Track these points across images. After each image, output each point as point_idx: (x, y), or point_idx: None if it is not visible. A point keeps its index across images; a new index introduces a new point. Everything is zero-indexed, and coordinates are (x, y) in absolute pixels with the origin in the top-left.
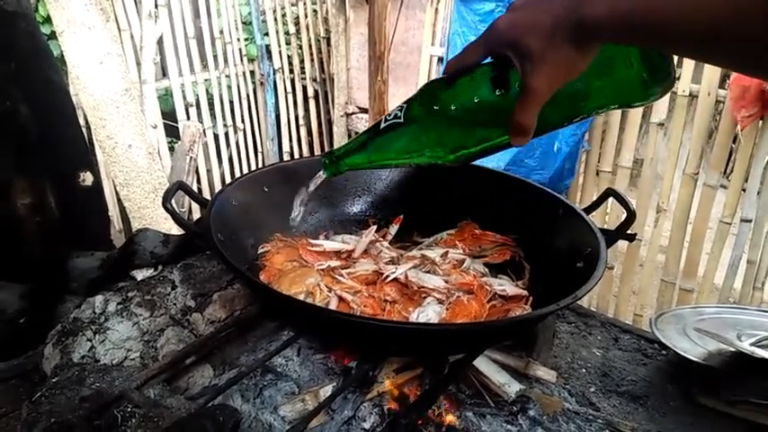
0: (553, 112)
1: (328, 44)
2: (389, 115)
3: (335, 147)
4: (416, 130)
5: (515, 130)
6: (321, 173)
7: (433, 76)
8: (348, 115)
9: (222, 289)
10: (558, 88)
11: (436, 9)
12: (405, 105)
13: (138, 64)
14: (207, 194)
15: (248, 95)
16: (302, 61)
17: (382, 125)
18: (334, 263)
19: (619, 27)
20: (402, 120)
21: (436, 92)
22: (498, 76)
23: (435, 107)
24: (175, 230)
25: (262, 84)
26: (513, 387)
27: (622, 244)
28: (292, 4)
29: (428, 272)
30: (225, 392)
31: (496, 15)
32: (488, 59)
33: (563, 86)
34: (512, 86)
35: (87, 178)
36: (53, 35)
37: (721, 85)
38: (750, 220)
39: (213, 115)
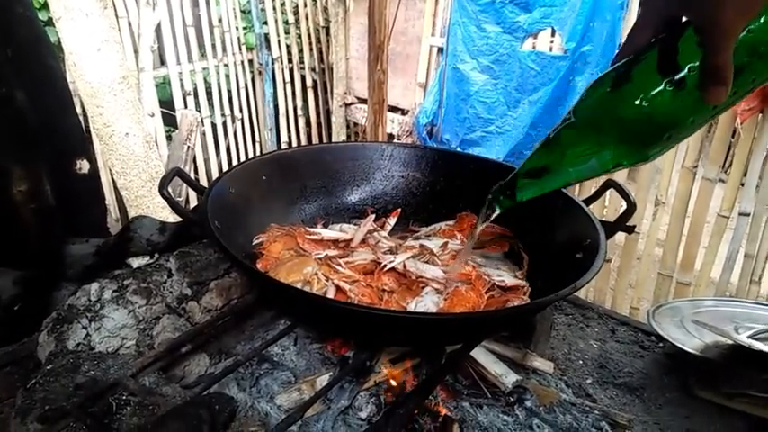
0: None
1: (327, 34)
2: (556, 127)
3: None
4: (592, 128)
5: (711, 78)
6: (494, 208)
7: (433, 67)
8: (347, 105)
9: (219, 277)
10: (746, 22)
11: None
12: (573, 108)
13: (136, 52)
14: (204, 184)
15: (246, 85)
16: (301, 51)
17: (552, 134)
18: (332, 252)
19: None
20: (573, 118)
21: (607, 86)
22: (670, 49)
23: (613, 104)
24: (172, 219)
25: (260, 73)
26: (510, 378)
27: (620, 237)
28: None
29: (426, 262)
30: (221, 381)
31: (497, 6)
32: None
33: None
34: (688, 54)
35: (84, 166)
36: (50, 21)
37: None
38: (748, 214)
39: (211, 104)
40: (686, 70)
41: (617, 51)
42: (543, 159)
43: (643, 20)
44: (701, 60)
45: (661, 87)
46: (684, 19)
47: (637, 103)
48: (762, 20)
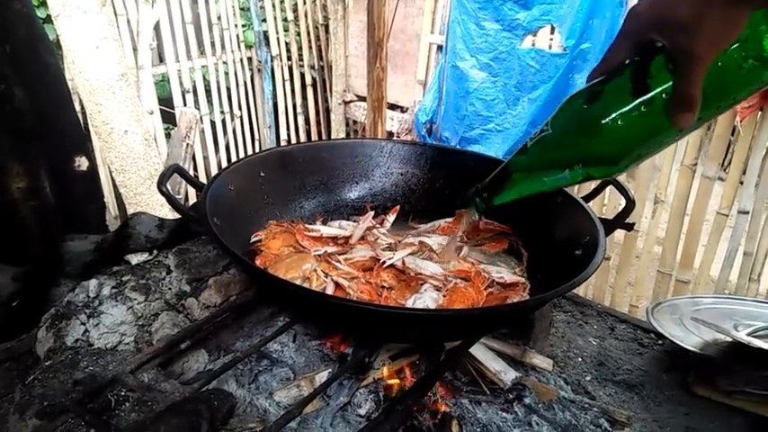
0: (717, 91)
1: (326, 31)
2: (534, 136)
3: (480, 185)
4: (566, 141)
5: (679, 104)
6: (474, 214)
7: (432, 65)
8: (346, 103)
9: (218, 274)
10: (718, 54)
11: None
12: (550, 120)
13: (135, 49)
14: (203, 182)
15: (245, 82)
16: (300, 48)
17: (529, 144)
18: (331, 249)
19: None
20: (550, 130)
21: (582, 102)
22: (643, 71)
23: (584, 120)
24: (171, 217)
25: (259, 71)
26: (509, 375)
27: (619, 235)
28: None
29: (426, 259)
30: (220, 377)
31: (496, 4)
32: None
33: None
34: (659, 78)
35: (83, 163)
36: (49, 19)
37: None
38: (747, 212)
39: (210, 102)
40: (656, 92)
41: (593, 68)
42: (521, 167)
43: (619, 41)
44: (672, 86)
45: (631, 107)
46: (659, 44)
47: (608, 120)
48: (728, 52)
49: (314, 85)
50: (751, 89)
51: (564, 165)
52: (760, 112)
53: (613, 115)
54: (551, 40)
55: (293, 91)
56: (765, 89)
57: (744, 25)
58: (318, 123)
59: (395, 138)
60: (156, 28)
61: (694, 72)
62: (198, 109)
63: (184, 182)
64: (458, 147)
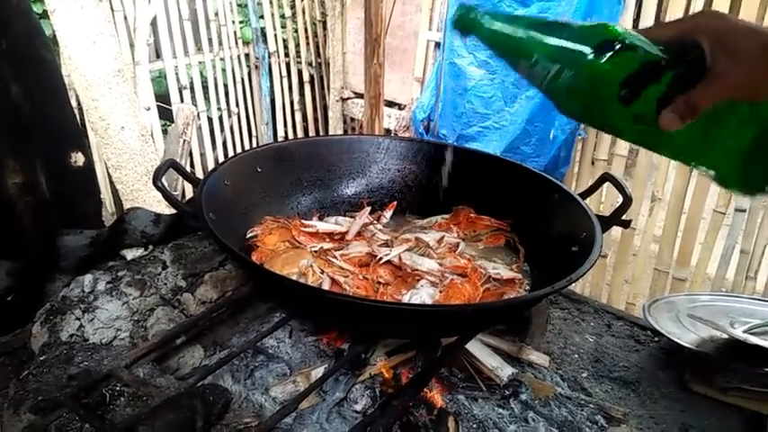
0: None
1: (324, 28)
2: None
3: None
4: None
5: (682, 109)
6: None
7: (430, 62)
8: (344, 100)
9: (214, 269)
10: (737, 94)
11: None
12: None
13: (132, 45)
14: (200, 178)
15: (243, 79)
16: (298, 45)
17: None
18: (328, 245)
19: None
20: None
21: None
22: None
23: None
24: (167, 212)
25: (257, 67)
26: (505, 371)
27: (616, 233)
28: None
29: (422, 255)
30: (215, 373)
31: (495, 1)
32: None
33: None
34: (679, 79)
35: (79, 159)
36: (45, 14)
37: None
38: (744, 210)
39: (207, 98)
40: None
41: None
42: (522, 24)
43: (678, 22)
44: (685, 94)
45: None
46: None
47: (620, 83)
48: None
49: (311, 81)
50: (727, 147)
51: (550, 60)
52: None
53: (621, 83)
54: None
55: (291, 88)
56: None
57: None
58: (316, 120)
59: (392, 135)
60: (153, 24)
61: (713, 90)
62: (195, 105)
63: (181, 179)
64: (455, 144)
